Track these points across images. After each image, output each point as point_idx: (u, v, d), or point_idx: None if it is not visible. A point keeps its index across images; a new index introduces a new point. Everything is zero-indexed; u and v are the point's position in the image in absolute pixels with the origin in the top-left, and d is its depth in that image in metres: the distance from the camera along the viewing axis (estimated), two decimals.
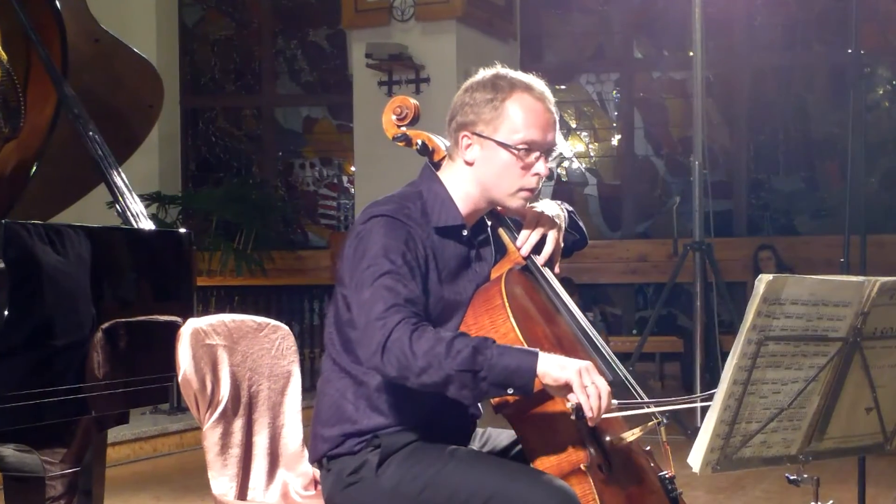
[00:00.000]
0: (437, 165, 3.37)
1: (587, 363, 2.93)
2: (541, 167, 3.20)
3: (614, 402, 2.97)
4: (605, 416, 2.93)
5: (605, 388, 2.90)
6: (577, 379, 2.89)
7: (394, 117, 3.49)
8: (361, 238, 3.12)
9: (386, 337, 2.93)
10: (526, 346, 3.00)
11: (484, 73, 3.27)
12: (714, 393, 2.86)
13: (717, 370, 8.82)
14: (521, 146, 3.17)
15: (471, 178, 3.25)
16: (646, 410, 3.18)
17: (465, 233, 3.26)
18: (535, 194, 3.28)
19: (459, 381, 2.90)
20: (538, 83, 3.25)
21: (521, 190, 3.21)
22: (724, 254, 11.39)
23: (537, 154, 3.19)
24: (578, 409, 2.89)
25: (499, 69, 3.28)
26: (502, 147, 3.18)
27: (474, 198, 3.26)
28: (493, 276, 3.30)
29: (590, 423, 2.94)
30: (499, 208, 3.36)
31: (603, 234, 13.71)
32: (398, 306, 2.97)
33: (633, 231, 13.80)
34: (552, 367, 2.90)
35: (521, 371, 2.90)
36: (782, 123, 13.56)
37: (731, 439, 2.89)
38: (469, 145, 3.23)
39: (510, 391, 2.93)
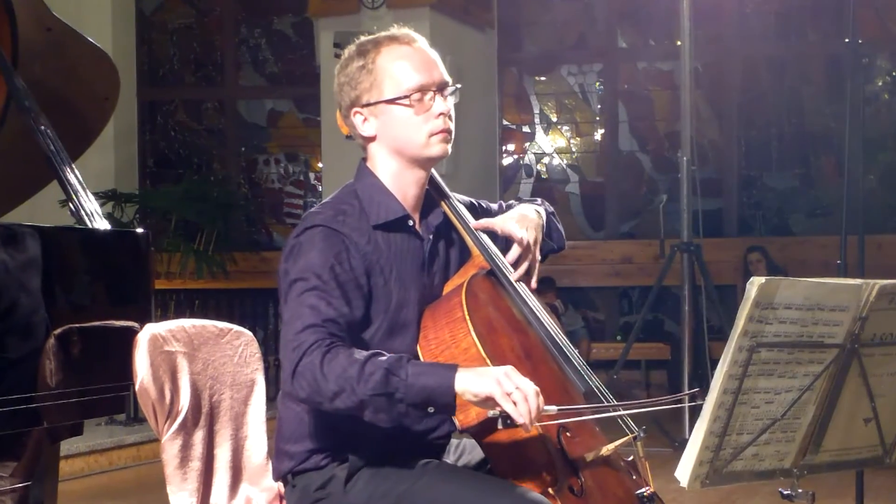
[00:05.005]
0: None
1: (508, 368, 2.89)
2: (440, 105, 3.22)
3: (553, 407, 2.92)
4: (545, 422, 2.96)
5: (531, 389, 2.85)
6: (497, 389, 2.84)
7: None
8: (293, 251, 3.13)
9: (298, 359, 2.93)
10: (487, 362, 3.00)
11: (349, 49, 3.29)
12: (691, 394, 2.87)
13: (706, 378, 8.84)
14: (410, 94, 3.19)
15: (384, 151, 3.26)
16: (602, 416, 3.20)
17: (410, 223, 3.27)
18: (451, 134, 3.26)
19: (374, 405, 2.89)
20: (403, 31, 3.28)
21: (431, 135, 3.21)
22: (714, 255, 11.41)
23: (430, 95, 3.21)
24: (506, 418, 2.86)
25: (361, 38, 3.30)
26: (394, 104, 3.20)
27: (398, 171, 3.26)
28: (457, 282, 3.28)
29: (526, 431, 2.91)
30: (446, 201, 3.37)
31: (585, 234, 13.73)
32: (315, 327, 2.97)
33: (618, 231, 13.81)
34: (471, 383, 2.88)
35: (439, 390, 2.89)
36: (775, 117, 13.59)
37: (722, 452, 2.90)
38: (364, 120, 3.24)
39: (431, 410, 2.92)
